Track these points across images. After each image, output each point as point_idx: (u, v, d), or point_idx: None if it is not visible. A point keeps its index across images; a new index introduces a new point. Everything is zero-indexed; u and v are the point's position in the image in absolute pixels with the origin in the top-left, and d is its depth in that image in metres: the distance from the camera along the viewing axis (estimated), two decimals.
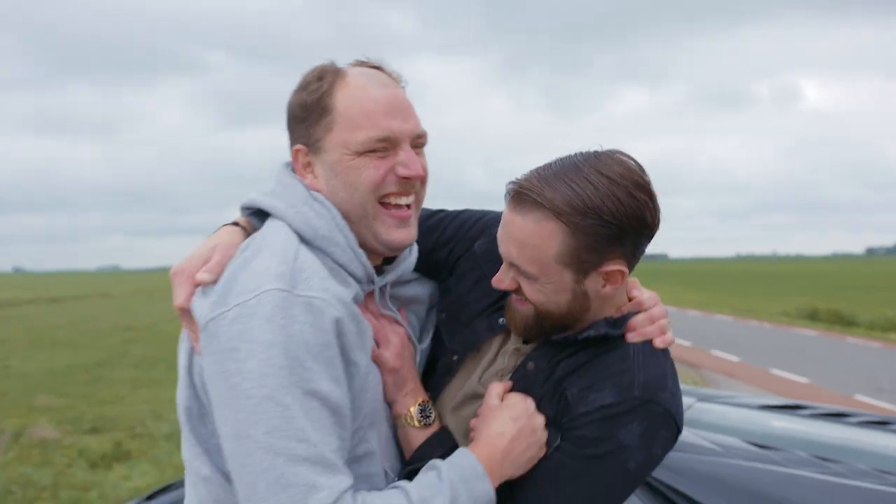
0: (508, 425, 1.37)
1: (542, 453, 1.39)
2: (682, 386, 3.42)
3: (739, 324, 22.64)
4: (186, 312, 1.33)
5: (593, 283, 1.39)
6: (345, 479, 1.23)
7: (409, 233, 1.43)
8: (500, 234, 1.41)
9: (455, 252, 1.64)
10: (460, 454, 1.36)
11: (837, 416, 2.93)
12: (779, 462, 2.21)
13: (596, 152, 1.37)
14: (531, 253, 1.35)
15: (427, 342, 1.56)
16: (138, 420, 9.49)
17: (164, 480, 5.28)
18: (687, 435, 2.31)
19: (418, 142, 1.41)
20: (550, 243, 1.33)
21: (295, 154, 1.40)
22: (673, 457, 2.09)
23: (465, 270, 1.61)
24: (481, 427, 1.41)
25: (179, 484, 3.11)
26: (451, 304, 1.59)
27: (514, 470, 1.36)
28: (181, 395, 1.38)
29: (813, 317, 24.23)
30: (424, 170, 1.41)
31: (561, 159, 1.37)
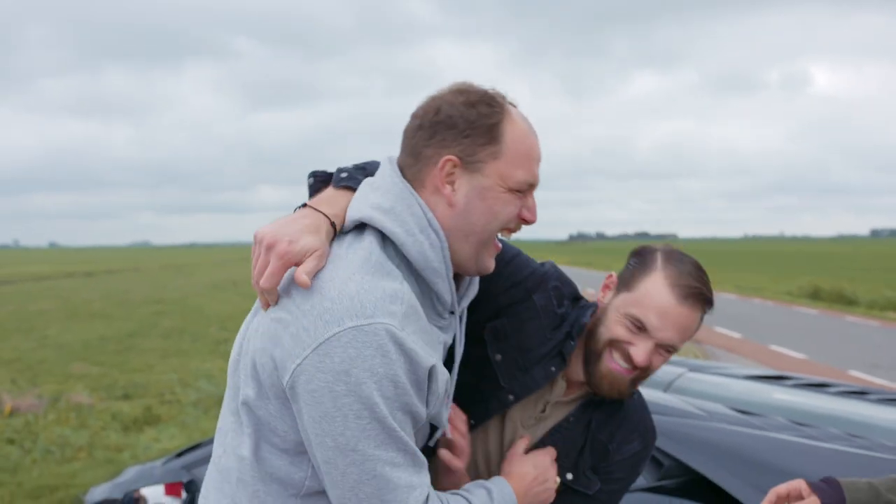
0: (531, 469, 1.62)
1: (551, 498, 1.64)
2: (675, 358, 3.81)
3: (744, 302, 22.88)
4: (273, 293, 1.34)
5: None
6: (428, 477, 1.38)
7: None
8: (664, 322, 1.57)
9: (516, 297, 1.71)
10: (501, 482, 1.56)
11: (819, 387, 3.19)
12: (759, 426, 2.41)
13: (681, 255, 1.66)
14: (685, 337, 1.61)
15: (454, 373, 1.57)
16: (167, 387, 9.92)
17: (191, 442, 5.64)
18: (675, 401, 2.59)
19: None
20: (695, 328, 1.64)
21: (444, 162, 1.38)
22: (661, 420, 2.41)
23: (524, 318, 1.70)
24: (510, 467, 1.64)
25: (206, 443, 3.41)
26: (510, 348, 1.69)
27: None
28: (245, 385, 1.38)
29: (815, 296, 24.45)
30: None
31: (688, 260, 1.64)
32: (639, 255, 1.68)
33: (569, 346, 1.67)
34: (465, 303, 1.54)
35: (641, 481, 2.34)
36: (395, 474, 1.30)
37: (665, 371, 3.04)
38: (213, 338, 14.87)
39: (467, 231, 1.41)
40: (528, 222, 1.46)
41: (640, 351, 1.58)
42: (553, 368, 1.67)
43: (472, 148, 1.37)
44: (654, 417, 1.93)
